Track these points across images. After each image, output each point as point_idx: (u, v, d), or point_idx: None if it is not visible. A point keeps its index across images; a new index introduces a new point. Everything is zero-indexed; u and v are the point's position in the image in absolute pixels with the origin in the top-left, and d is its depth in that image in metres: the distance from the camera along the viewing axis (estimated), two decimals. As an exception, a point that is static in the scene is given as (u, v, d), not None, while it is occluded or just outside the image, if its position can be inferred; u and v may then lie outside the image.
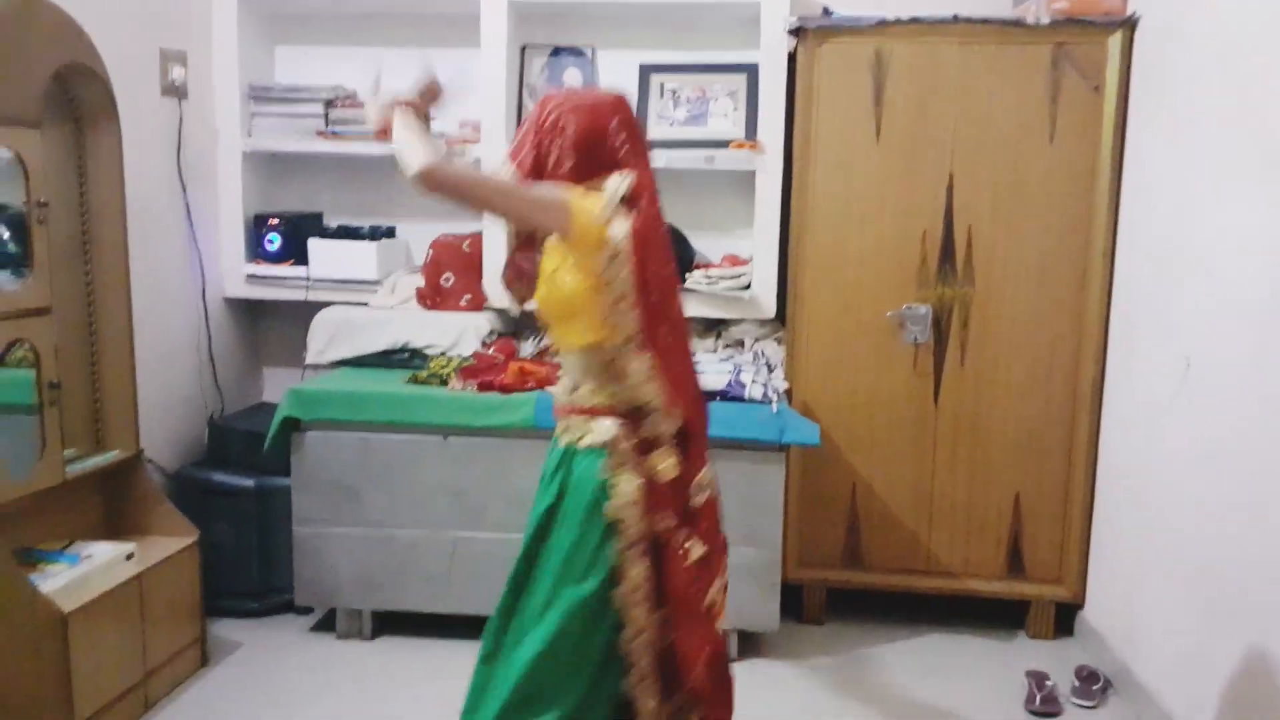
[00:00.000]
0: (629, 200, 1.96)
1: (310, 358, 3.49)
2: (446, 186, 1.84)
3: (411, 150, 1.85)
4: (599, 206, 1.93)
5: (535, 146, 1.98)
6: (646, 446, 1.99)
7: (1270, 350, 2.31)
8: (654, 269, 1.96)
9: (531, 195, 1.92)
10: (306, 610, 3.40)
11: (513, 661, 1.98)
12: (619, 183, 1.96)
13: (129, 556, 2.79)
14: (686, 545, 1.99)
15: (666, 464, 2.00)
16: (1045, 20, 3.15)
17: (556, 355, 2.15)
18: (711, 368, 3.23)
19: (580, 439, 2.00)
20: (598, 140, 1.97)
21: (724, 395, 3.03)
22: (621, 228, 1.92)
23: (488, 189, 1.93)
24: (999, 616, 3.46)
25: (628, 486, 1.95)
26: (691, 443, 2.04)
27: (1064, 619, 3.42)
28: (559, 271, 1.99)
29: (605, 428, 1.98)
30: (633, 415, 2.00)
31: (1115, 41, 3.13)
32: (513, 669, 1.97)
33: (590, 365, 2.00)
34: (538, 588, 2.01)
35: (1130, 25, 3.12)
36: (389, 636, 3.29)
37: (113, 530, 2.99)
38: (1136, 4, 3.13)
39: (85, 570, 2.65)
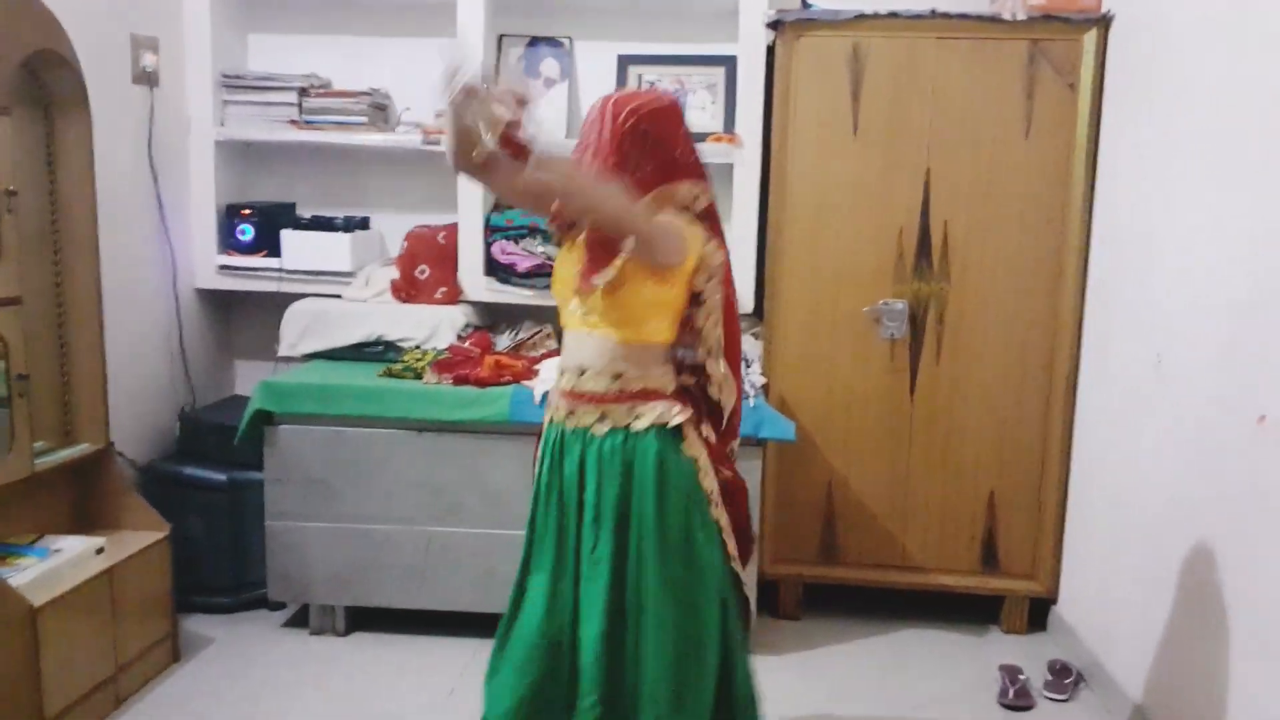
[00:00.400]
0: (704, 213, 2.09)
1: (283, 350, 3.45)
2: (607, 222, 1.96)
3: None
4: (700, 233, 2.05)
5: (617, 151, 1.99)
6: (698, 419, 2.13)
7: (1241, 347, 2.33)
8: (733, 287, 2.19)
9: (662, 226, 1.98)
10: (280, 606, 3.37)
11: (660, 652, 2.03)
12: (701, 197, 2.08)
13: (99, 550, 2.76)
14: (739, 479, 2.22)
15: (709, 431, 2.15)
16: (1021, 16, 3.16)
17: (580, 341, 2.12)
18: (688, 362, 3.22)
19: (632, 422, 2.04)
20: (673, 145, 2.04)
21: (701, 390, 3.02)
22: (717, 254, 2.08)
23: (628, 213, 1.94)
24: (973, 611, 3.48)
25: (704, 459, 2.09)
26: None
27: (1037, 614, 3.44)
28: (634, 279, 1.99)
29: (668, 409, 2.06)
30: (678, 393, 2.11)
31: (1090, 38, 3.14)
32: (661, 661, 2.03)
33: (645, 356, 2.07)
34: (653, 572, 2.03)
35: (1105, 23, 3.14)
36: (363, 632, 3.27)
37: (82, 524, 2.94)
38: (1111, 2, 3.14)
39: (55, 564, 2.62)
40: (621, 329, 2.04)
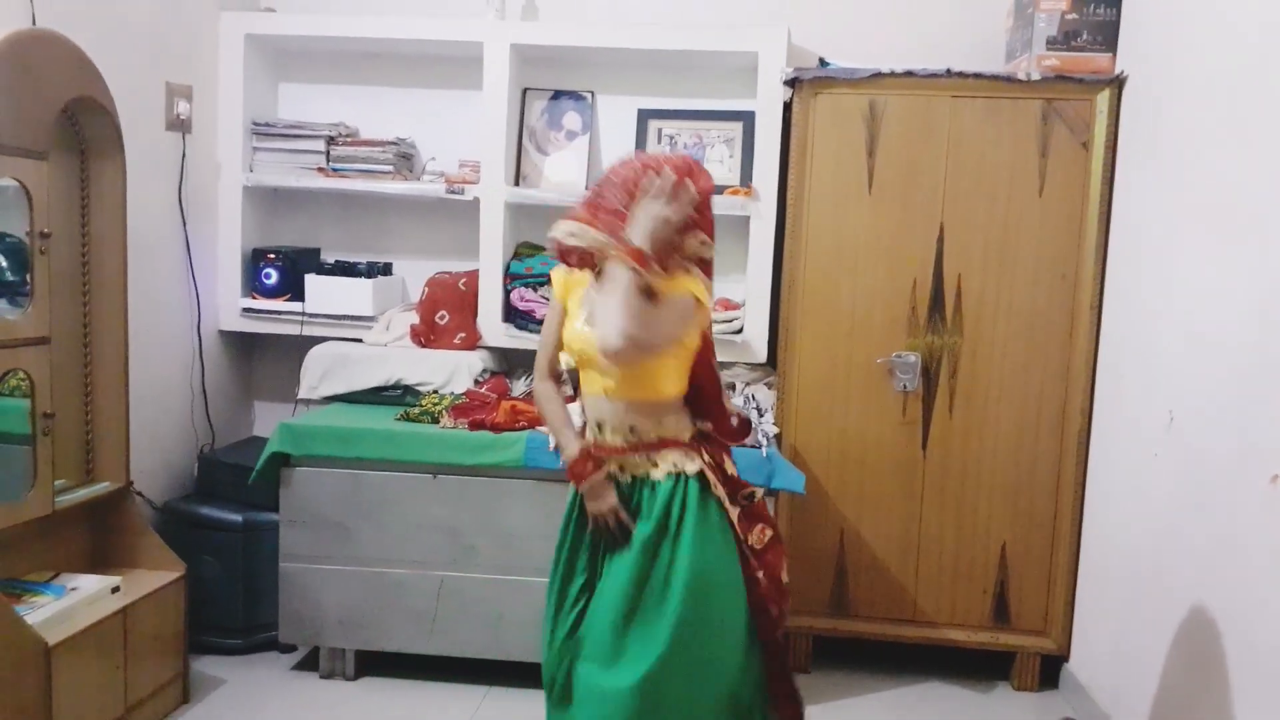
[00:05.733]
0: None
1: (303, 393, 3.50)
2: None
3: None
4: (698, 281, 2.13)
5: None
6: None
7: (1252, 406, 2.33)
8: None
9: (680, 314, 2.08)
10: (290, 648, 3.38)
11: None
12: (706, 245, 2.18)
13: (114, 590, 2.78)
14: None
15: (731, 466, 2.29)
16: (1035, 76, 3.21)
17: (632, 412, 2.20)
18: (702, 411, 3.24)
19: (683, 469, 2.16)
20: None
21: (714, 439, 3.04)
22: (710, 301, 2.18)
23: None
24: (984, 667, 3.45)
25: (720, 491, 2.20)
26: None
27: (1049, 671, 3.41)
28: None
29: (683, 457, 2.17)
30: (694, 439, 2.21)
31: (1103, 99, 3.19)
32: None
33: (656, 410, 2.16)
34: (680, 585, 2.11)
35: (1118, 84, 3.18)
36: (372, 677, 3.27)
37: (99, 562, 2.97)
38: (1124, 63, 3.19)
39: (70, 602, 2.64)
40: (634, 394, 2.16)
